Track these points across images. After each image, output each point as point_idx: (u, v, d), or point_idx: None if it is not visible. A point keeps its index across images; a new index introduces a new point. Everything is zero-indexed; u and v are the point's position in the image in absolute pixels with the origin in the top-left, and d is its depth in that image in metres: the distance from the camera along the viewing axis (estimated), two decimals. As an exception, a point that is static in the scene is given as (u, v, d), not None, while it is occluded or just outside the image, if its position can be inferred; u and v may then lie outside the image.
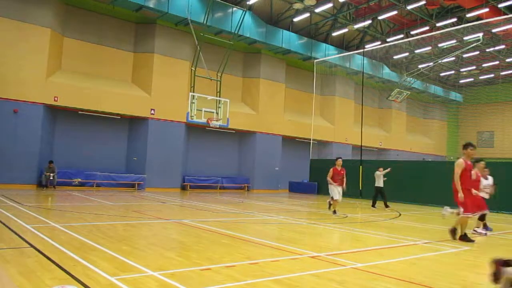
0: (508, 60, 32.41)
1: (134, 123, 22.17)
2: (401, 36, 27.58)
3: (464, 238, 8.24)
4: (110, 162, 21.41)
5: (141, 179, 21.14)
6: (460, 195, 8.04)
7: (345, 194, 13.77)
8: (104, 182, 20.36)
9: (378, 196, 16.48)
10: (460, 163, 8.21)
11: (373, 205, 16.54)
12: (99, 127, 21.18)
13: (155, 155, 21.54)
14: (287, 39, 25.74)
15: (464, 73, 37.54)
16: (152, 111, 21.58)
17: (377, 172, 16.45)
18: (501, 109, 37.07)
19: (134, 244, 6.68)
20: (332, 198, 12.83)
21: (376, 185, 16.37)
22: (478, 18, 23.59)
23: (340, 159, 12.91)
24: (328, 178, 12.74)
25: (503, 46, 29.97)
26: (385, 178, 16.50)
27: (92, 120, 20.82)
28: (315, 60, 26.97)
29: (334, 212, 12.82)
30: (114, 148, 21.77)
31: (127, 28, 21.90)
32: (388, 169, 16.70)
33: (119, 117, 21.77)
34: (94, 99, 19.84)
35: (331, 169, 12.79)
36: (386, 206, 16.13)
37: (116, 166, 21.59)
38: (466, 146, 8.40)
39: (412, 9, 24.19)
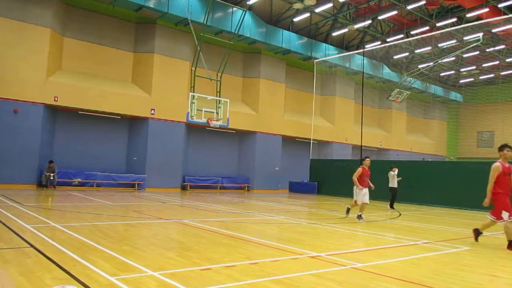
0: (508, 60, 32.42)
1: (134, 123, 22.17)
2: (401, 36, 27.58)
3: (476, 232, 8.12)
4: (110, 162, 21.42)
5: (141, 179, 21.14)
6: (486, 200, 7.56)
7: (345, 194, 13.67)
8: (104, 182, 20.36)
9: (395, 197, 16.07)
10: (496, 167, 7.56)
11: (391, 207, 16.10)
12: (99, 127, 21.19)
13: (155, 155, 21.54)
14: (287, 39, 25.74)
15: (464, 73, 37.54)
16: (152, 111, 21.59)
17: (391, 173, 16.11)
18: (501, 109, 37.04)
19: (134, 244, 6.68)
20: (355, 201, 11.60)
21: (390, 185, 16.03)
22: (478, 18, 23.58)
23: (368, 159, 11.96)
24: (355, 178, 11.42)
25: (503, 46, 29.98)
26: (400, 178, 16.14)
27: (92, 120, 20.83)
28: (315, 60, 26.98)
29: (348, 210, 12.15)
30: (114, 148, 21.78)
31: (127, 28, 21.90)
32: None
33: (119, 117, 21.77)
34: (94, 99, 19.85)
35: (360, 169, 11.55)
36: (391, 207, 15.94)
37: (116, 166, 21.60)
38: (502, 147, 7.77)
39: (412, 9, 24.19)
